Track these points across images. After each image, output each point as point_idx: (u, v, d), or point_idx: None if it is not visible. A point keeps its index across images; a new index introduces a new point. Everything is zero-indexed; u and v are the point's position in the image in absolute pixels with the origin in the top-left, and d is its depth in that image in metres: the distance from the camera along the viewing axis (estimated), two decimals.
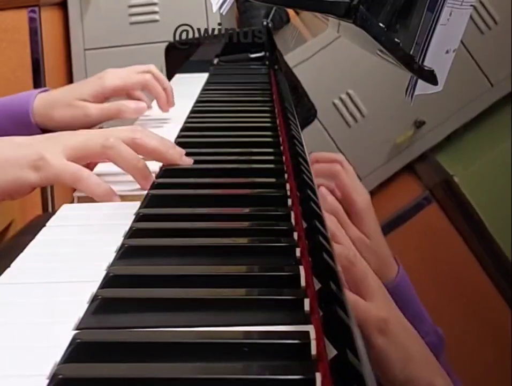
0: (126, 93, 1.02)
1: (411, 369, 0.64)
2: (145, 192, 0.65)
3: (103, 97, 0.98)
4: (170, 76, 1.44)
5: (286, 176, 0.69)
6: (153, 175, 0.69)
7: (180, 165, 0.70)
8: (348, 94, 2.06)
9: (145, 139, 0.68)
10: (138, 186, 0.68)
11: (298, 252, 0.50)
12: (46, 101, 0.97)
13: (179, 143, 0.82)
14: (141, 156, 0.68)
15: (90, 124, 0.97)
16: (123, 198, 0.66)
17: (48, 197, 1.79)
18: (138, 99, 1.02)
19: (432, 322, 0.80)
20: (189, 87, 1.24)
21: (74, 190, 0.68)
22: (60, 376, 0.35)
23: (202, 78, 1.33)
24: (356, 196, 0.80)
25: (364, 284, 0.65)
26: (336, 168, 0.84)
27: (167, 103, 1.03)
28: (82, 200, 0.67)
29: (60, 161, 0.64)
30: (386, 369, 0.63)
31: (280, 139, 0.83)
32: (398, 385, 0.64)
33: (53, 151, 0.64)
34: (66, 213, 0.61)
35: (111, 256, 0.50)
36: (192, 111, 1.03)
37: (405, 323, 0.67)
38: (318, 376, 0.35)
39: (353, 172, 0.86)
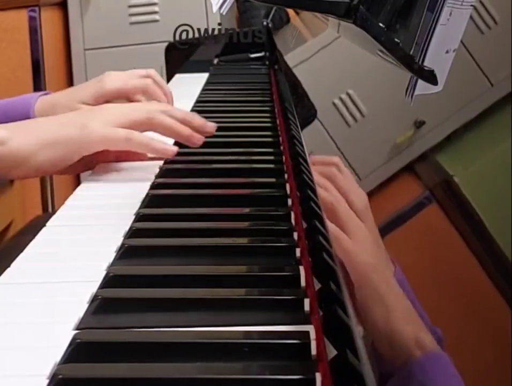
0: (126, 96, 1.02)
1: (393, 322, 0.67)
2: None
3: (103, 100, 0.98)
4: (170, 76, 1.44)
5: (286, 176, 0.69)
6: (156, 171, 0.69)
7: (201, 137, 0.75)
8: (348, 94, 2.06)
9: (174, 109, 0.76)
10: None
11: (298, 252, 0.50)
12: (47, 103, 0.97)
13: (179, 143, 0.82)
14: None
15: None
16: None
17: (48, 197, 1.79)
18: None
19: (431, 323, 0.80)
20: (189, 87, 1.24)
21: (74, 189, 0.68)
22: (60, 376, 0.35)
23: (202, 78, 1.33)
24: (354, 197, 0.81)
25: (348, 226, 0.70)
26: (332, 171, 0.84)
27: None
28: None
29: (107, 127, 0.70)
30: (370, 321, 0.67)
31: (280, 139, 0.83)
32: (383, 338, 0.67)
33: (99, 123, 0.70)
34: (66, 213, 0.61)
35: (111, 256, 0.50)
36: (192, 111, 1.03)
37: (388, 277, 0.70)
38: (318, 376, 0.35)
39: (350, 175, 0.87)
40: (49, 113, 0.95)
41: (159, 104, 0.78)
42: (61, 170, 0.72)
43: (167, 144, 0.74)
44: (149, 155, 0.76)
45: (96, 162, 0.76)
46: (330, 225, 0.67)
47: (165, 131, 0.74)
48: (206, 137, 0.86)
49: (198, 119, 0.76)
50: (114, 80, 1.02)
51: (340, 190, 0.84)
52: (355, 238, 0.69)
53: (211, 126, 0.77)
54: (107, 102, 0.98)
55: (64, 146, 0.69)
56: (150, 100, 1.03)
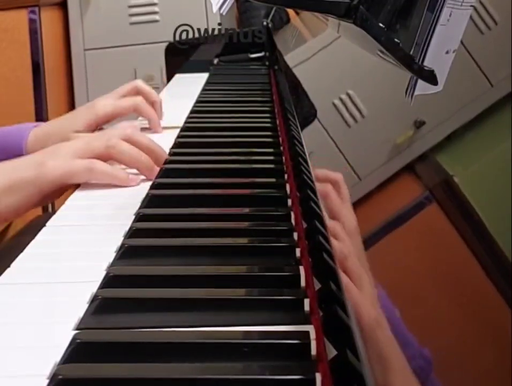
0: (118, 117, 1.02)
1: (390, 376, 0.65)
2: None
3: (96, 126, 0.99)
4: (170, 76, 1.44)
5: (286, 176, 0.69)
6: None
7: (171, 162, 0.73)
8: (348, 94, 2.06)
9: (137, 135, 0.73)
10: None
11: (298, 252, 0.50)
12: (40, 136, 0.97)
13: (179, 143, 0.82)
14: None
15: None
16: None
17: None
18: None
19: (418, 345, 0.81)
20: (189, 87, 1.24)
21: (74, 189, 0.68)
22: (60, 376, 0.35)
23: (202, 78, 1.33)
24: (345, 219, 0.81)
25: (357, 280, 0.68)
26: (326, 189, 0.84)
27: (157, 123, 1.00)
28: None
29: (66, 161, 0.67)
30: None
31: (280, 139, 0.83)
32: None
33: (56, 158, 0.67)
34: (66, 213, 0.61)
35: (111, 256, 0.50)
36: (192, 111, 1.03)
37: (389, 334, 0.69)
38: (318, 376, 0.35)
39: (347, 194, 0.87)
40: (43, 145, 0.93)
41: (122, 130, 0.73)
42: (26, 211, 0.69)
43: (129, 174, 0.71)
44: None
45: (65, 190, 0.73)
46: (343, 276, 0.66)
47: (124, 160, 0.71)
48: (206, 137, 0.86)
49: (159, 149, 0.74)
50: (105, 105, 0.99)
51: (331, 211, 0.84)
52: (363, 290, 0.68)
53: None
54: (99, 127, 0.99)
55: (21, 191, 0.66)
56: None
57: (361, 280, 0.68)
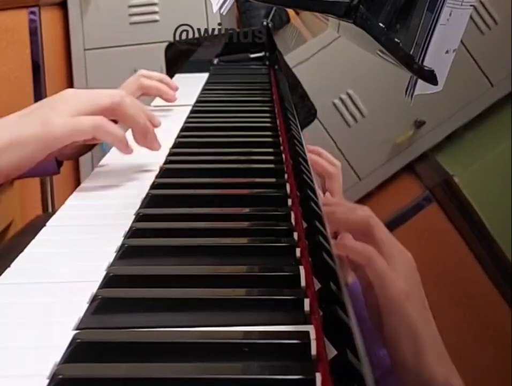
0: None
1: (424, 359, 0.60)
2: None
3: None
4: (170, 76, 1.44)
5: (286, 176, 0.69)
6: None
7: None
8: (348, 94, 2.06)
9: (142, 106, 0.74)
10: None
11: (298, 252, 0.50)
12: None
13: (179, 143, 0.82)
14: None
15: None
16: None
17: (48, 197, 1.79)
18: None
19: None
20: (189, 87, 1.24)
21: (74, 189, 0.68)
22: (60, 376, 0.35)
23: (202, 78, 1.33)
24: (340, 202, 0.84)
25: (388, 250, 0.63)
26: (334, 169, 0.89)
27: (169, 90, 1.08)
28: None
29: (72, 118, 0.66)
30: (396, 348, 0.60)
31: (280, 139, 0.83)
32: (410, 375, 0.60)
33: (61, 115, 0.66)
34: (66, 213, 0.61)
35: (111, 256, 0.50)
36: (192, 111, 1.03)
37: (423, 307, 0.64)
38: (318, 376, 0.35)
39: (340, 187, 0.91)
40: None
41: (129, 96, 0.74)
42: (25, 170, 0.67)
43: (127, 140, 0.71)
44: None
45: (62, 151, 0.74)
46: (362, 245, 0.62)
47: (128, 118, 0.71)
48: (206, 137, 0.86)
49: (157, 121, 0.76)
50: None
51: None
52: (392, 261, 0.63)
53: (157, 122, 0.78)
54: None
55: (25, 147, 0.64)
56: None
57: (391, 250, 0.64)
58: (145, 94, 1.08)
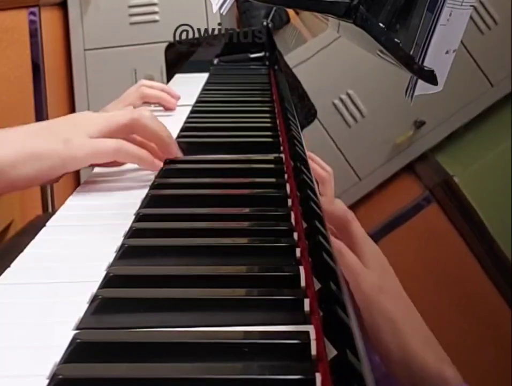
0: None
1: (408, 345, 0.59)
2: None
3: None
4: (170, 76, 1.44)
5: (286, 176, 0.69)
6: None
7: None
8: (348, 94, 2.06)
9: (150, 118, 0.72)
10: None
11: (298, 252, 0.50)
12: None
13: (179, 144, 0.82)
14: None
15: None
16: None
17: (48, 197, 1.79)
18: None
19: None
20: (189, 87, 1.24)
21: (74, 189, 0.68)
22: (60, 376, 0.35)
23: (202, 78, 1.33)
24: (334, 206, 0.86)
25: (362, 247, 0.64)
26: (327, 175, 0.90)
27: (170, 99, 1.10)
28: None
29: (93, 139, 0.65)
30: (380, 342, 0.60)
31: (280, 139, 0.83)
32: (399, 365, 0.59)
33: (83, 135, 0.65)
34: (66, 213, 0.61)
35: (111, 256, 0.50)
36: (192, 111, 1.03)
37: (398, 296, 0.65)
38: (318, 376, 0.35)
39: (332, 194, 0.92)
40: None
41: (145, 110, 0.73)
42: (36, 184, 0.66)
43: (155, 159, 0.71)
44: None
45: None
46: (336, 242, 0.63)
47: (148, 134, 0.70)
48: (207, 137, 0.86)
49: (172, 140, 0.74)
50: (116, 107, 1.08)
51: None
52: (365, 257, 0.63)
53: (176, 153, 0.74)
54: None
55: (45, 161, 0.63)
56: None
57: (364, 246, 0.64)
58: (147, 103, 1.10)
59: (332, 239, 0.61)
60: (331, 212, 0.65)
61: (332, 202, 0.67)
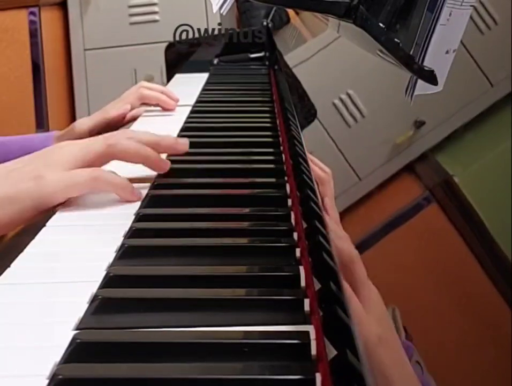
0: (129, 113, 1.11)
1: None
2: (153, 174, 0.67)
3: (106, 125, 1.08)
4: (170, 76, 1.44)
5: (286, 176, 0.69)
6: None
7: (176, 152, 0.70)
8: (348, 94, 2.06)
9: (139, 134, 0.67)
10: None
11: (298, 252, 0.50)
12: (62, 139, 1.03)
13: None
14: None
15: None
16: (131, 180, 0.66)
17: None
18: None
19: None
20: (189, 87, 1.24)
21: None
22: (60, 376, 0.35)
23: (202, 78, 1.33)
24: (329, 208, 0.85)
25: (364, 290, 0.62)
26: (326, 176, 0.90)
27: (169, 100, 1.10)
28: None
29: (66, 172, 0.61)
30: None
31: (280, 139, 0.83)
32: None
33: (55, 169, 0.61)
34: (66, 213, 0.61)
35: (111, 256, 0.50)
36: (192, 111, 1.03)
37: (396, 351, 0.63)
38: (318, 376, 0.35)
39: (332, 194, 0.92)
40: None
41: (121, 132, 0.69)
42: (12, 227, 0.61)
43: (132, 185, 0.64)
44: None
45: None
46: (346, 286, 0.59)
47: (130, 156, 0.65)
48: (207, 137, 0.86)
49: (166, 141, 0.69)
50: (114, 107, 1.10)
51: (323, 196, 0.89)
52: (367, 302, 0.61)
53: (183, 143, 0.70)
54: (109, 127, 1.07)
55: (15, 205, 0.58)
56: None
57: (366, 290, 0.62)
58: (146, 104, 1.10)
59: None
60: (338, 251, 0.64)
61: (339, 237, 0.64)
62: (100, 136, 0.66)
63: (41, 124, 1.81)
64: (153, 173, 0.68)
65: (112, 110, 1.09)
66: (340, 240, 0.64)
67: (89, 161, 0.63)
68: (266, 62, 1.47)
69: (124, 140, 0.65)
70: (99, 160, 0.64)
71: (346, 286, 0.60)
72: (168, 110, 1.10)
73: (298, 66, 1.97)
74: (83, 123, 1.09)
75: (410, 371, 0.64)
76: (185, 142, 0.70)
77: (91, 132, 1.07)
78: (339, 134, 2.06)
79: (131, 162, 0.66)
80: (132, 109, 1.11)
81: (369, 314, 0.61)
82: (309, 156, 0.93)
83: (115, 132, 0.69)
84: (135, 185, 0.64)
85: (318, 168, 0.95)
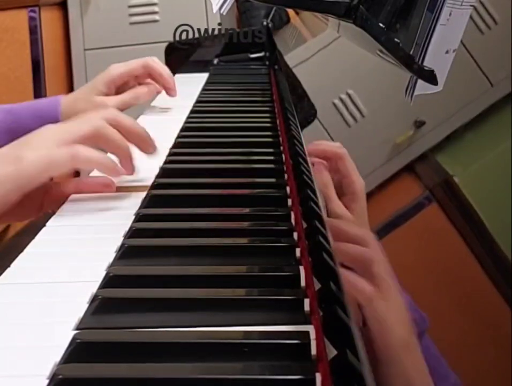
0: (133, 79, 1.09)
1: None
2: (141, 183, 0.66)
3: (114, 86, 1.07)
4: None
5: (286, 176, 0.69)
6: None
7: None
8: (348, 94, 2.06)
9: (122, 117, 0.66)
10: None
11: (298, 252, 0.50)
12: (69, 102, 1.03)
13: (179, 143, 0.82)
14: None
15: None
16: (120, 189, 0.66)
17: None
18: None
19: (411, 301, 0.77)
20: (189, 87, 1.24)
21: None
22: (60, 376, 0.35)
23: (202, 78, 1.33)
24: (356, 178, 0.83)
25: (385, 290, 0.60)
26: (342, 150, 0.88)
27: (171, 80, 1.09)
28: None
29: (47, 151, 0.60)
30: None
31: (280, 139, 0.83)
32: None
33: (35, 149, 0.60)
34: (66, 213, 0.61)
35: (111, 256, 0.50)
36: (192, 111, 1.03)
37: (419, 357, 0.61)
38: (318, 376, 0.35)
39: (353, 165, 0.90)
40: (74, 110, 1.01)
41: (107, 111, 0.66)
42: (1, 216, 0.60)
43: (118, 165, 0.65)
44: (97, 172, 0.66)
45: (50, 203, 0.66)
46: (364, 283, 0.59)
47: (108, 144, 0.64)
48: (207, 137, 0.86)
49: (145, 133, 0.68)
50: (117, 66, 1.09)
51: (345, 169, 0.87)
52: (390, 301, 0.59)
53: (153, 146, 0.69)
54: (117, 88, 1.07)
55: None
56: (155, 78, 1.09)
57: (389, 289, 0.60)
58: (149, 76, 1.08)
59: (364, 283, 0.58)
60: (352, 256, 0.61)
61: (354, 237, 0.63)
62: (85, 117, 0.65)
63: None
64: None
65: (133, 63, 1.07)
66: (354, 240, 0.63)
67: (73, 142, 0.61)
68: (267, 62, 1.47)
69: (108, 127, 0.64)
70: (83, 142, 0.62)
71: (371, 289, 0.59)
72: (168, 92, 1.08)
73: (298, 66, 1.97)
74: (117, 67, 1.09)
75: (429, 378, 0.62)
76: (154, 147, 0.69)
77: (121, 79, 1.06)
78: (339, 134, 2.06)
79: (107, 149, 0.65)
80: (135, 75, 1.08)
81: (394, 316, 0.59)
82: (317, 142, 0.91)
83: (100, 112, 0.66)
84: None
85: (331, 146, 0.91)
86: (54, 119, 1.00)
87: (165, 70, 1.08)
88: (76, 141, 0.61)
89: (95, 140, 0.63)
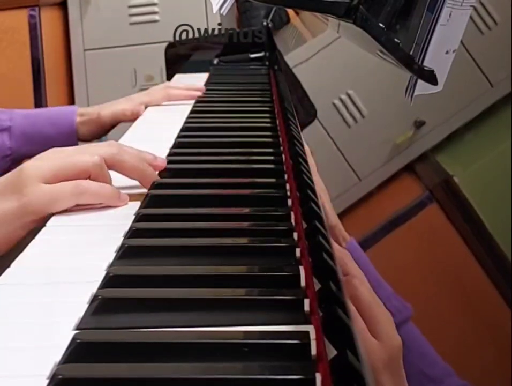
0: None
1: None
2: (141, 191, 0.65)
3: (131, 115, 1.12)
4: (170, 76, 1.44)
5: (286, 176, 0.69)
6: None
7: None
8: (348, 94, 2.06)
9: (124, 155, 0.64)
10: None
11: (298, 252, 0.50)
12: (89, 110, 1.11)
13: (179, 143, 0.82)
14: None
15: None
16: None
17: None
18: None
19: (392, 290, 0.77)
20: None
21: None
22: (60, 376, 0.35)
23: (202, 78, 1.33)
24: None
25: (367, 312, 0.59)
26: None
27: (197, 93, 1.16)
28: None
29: (50, 188, 0.58)
30: None
31: (280, 139, 0.83)
32: None
33: (35, 184, 0.58)
34: (66, 213, 0.61)
35: (111, 256, 0.50)
36: (192, 111, 1.03)
37: (400, 373, 0.60)
38: (318, 376, 0.35)
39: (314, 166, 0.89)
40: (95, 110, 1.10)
41: (108, 146, 0.64)
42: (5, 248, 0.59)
43: (119, 191, 0.63)
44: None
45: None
46: (359, 321, 0.57)
47: (128, 170, 0.64)
48: (207, 137, 0.86)
49: (147, 158, 0.66)
50: (139, 95, 1.17)
51: None
52: (376, 326, 0.58)
53: (161, 160, 0.68)
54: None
55: (4, 226, 0.57)
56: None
57: (375, 314, 0.58)
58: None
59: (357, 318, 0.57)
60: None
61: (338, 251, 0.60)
62: (87, 148, 0.63)
63: None
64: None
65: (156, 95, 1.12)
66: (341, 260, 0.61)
67: (70, 175, 0.60)
68: (267, 63, 1.47)
69: (101, 167, 0.62)
70: (81, 176, 0.60)
71: (352, 308, 0.57)
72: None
73: (298, 66, 1.97)
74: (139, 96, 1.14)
75: None
76: (163, 161, 0.68)
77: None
78: (339, 134, 2.06)
79: (126, 174, 0.65)
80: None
81: (378, 337, 0.58)
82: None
83: (100, 145, 0.65)
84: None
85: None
86: (69, 127, 1.03)
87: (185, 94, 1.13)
88: (74, 173, 0.60)
89: (87, 175, 0.61)
